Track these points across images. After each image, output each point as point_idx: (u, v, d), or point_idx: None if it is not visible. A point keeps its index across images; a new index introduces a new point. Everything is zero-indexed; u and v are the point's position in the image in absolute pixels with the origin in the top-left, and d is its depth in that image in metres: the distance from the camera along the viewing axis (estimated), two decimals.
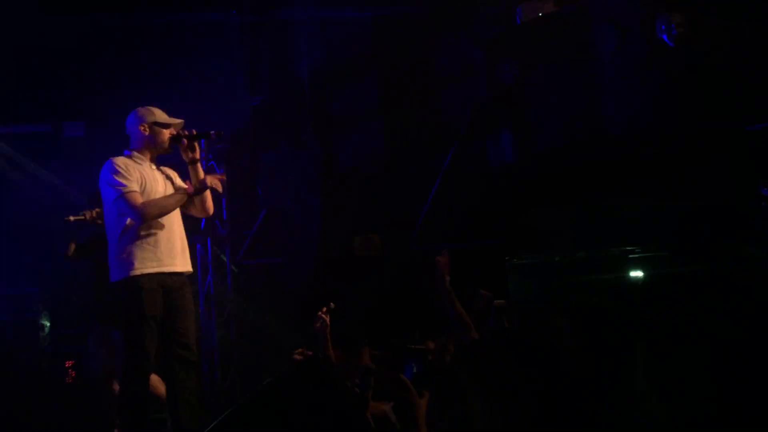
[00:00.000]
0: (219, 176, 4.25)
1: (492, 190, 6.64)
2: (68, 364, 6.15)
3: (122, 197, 3.86)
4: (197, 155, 4.10)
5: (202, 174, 4.10)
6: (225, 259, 6.88)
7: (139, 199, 3.86)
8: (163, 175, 4.13)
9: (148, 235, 3.92)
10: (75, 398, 6.02)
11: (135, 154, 4.06)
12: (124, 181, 3.88)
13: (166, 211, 3.94)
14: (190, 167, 4.10)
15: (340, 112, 7.56)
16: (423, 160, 7.10)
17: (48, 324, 6.34)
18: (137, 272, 3.86)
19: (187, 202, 4.10)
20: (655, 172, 6.23)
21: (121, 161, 3.97)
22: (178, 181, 4.19)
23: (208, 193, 4.16)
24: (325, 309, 4.22)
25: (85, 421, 5.81)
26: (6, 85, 6.64)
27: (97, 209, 4.91)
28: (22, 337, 6.26)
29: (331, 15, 7.27)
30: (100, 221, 4.86)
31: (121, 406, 4.00)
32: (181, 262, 4.03)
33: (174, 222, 4.05)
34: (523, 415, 1.76)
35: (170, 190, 4.08)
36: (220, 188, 4.23)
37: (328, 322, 4.16)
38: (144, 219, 3.87)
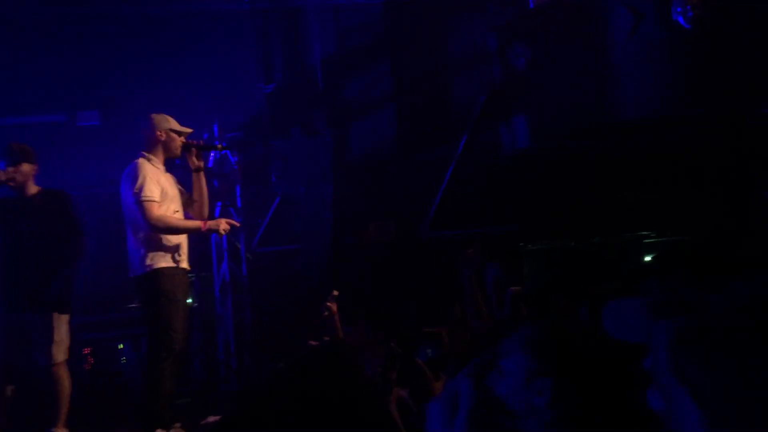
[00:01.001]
0: (233, 222, 4.58)
1: (506, 176, 6.62)
2: (86, 351, 6.20)
3: (142, 203, 4.15)
4: (202, 164, 4.49)
5: (204, 183, 4.48)
6: (240, 246, 6.91)
7: (155, 209, 4.15)
8: (173, 179, 4.47)
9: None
10: (93, 385, 6.08)
11: (151, 157, 4.35)
12: (147, 189, 4.17)
13: (174, 232, 4.26)
14: (194, 174, 4.48)
15: (352, 98, 7.55)
16: (436, 146, 7.08)
17: None
18: (170, 264, 4.22)
19: (187, 205, 4.47)
20: (671, 159, 6.18)
21: (148, 167, 4.26)
22: (178, 185, 4.52)
23: (205, 202, 4.52)
24: (330, 297, 4.28)
25: (104, 406, 5.87)
26: (20, 75, 6.67)
27: (11, 168, 4.43)
28: None
29: (343, 1, 7.24)
30: (12, 183, 4.48)
31: (151, 387, 4.18)
32: (187, 261, 4.43)
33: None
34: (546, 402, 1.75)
35: (177, 194, 4.42)
36: (222, 233, 4.56)
37: (335, 310, 4.24)
38: (153, 230, 4.19)
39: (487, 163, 6.70)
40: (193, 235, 4.49)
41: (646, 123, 5.89)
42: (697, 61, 5.45)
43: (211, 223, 4.34)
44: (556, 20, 6.07)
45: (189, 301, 6.33)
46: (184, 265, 4.36)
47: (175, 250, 4.26)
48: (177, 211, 4.36)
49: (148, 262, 4.20)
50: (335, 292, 4.26)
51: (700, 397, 0.99)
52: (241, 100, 7.15)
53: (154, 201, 4.16)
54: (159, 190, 4.21)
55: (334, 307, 4.22)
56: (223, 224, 4.34)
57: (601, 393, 1.42)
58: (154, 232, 4.17)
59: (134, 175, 4.20)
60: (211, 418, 4.72)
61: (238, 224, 4.63)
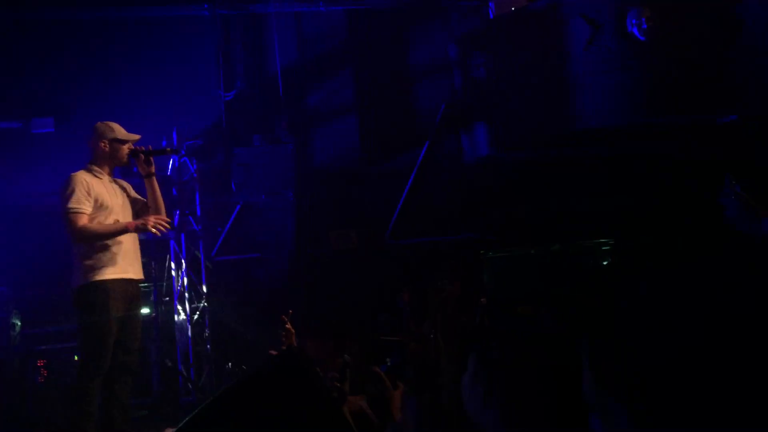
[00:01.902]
0: (164, 221, 4.31)
1: (467, 185, 6.66)
2: (40, 363, 6.06)
3: (67, 214, 4.09)
4: (152, 169, 4.40)
5: (156, 188, 4.40)
6: (199, 255, 6.83)
7: (80, 221, 4.08)
8: (120, 188, 4.37)
9: (113, 243, 4.16)
10: (47, 397, 5.94)
11: (95, 168, 4.28)
12: (73, 201, 4.09)
13: (102, 239, 4.14)
14: (145, 180, 4.39)
15: (314, 106, 7.53)
16: (398, 154, 7.10)
17: (19, 323, 6.23)
18: (105, 277, 4.09)
19: (143, 212, 4.36)
20: (629, 167, 6.29)
21: (81, 177, 4.18)
22: (132, 193, 4.45)
23: (161, 207, 4.40)
24: (284, 318, 4.28)
25: (57, 420, 5.73)
26: None
27: None
28: None
29: (305, 9, 7.23)
30: None
31: (75, 402, 4.10)
32: (138, 270, 4.32)
33: (133, 233, 4.29)
34: (511, 409, 1.76)
35: (126, 203, 4.34)
36: (158, 233, 4.31)
37: (293, 331, 4.24)
38: (78, 240, 4.11)
39: (448, 171, 6.74)
40: (152, 242, 4.35)
41: (604, 131, 5.99)
42: (653, 72, 5.56)
43: (137, 222, 4.20)
44: (516, 30, 6.15)
45: (147, 311, 6.23)
46: (131, 275, 4.21)
47: (116, 260, 4.13)
48: (117, 221, 4.23)
49: (85, 274, 4.08)
50: (290, 311, 4.27)
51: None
52: (201, 107, 7.08)
53: (79, 213, 4.08)
54: (90, 201, 4.11)
55: (290, 327, 4.23)
56: (151, 220, 4.16)
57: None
58: (81, 242, 4.08)
59: (63, 187, 4.14)
60: (169, 430, 4.65)
61: (168, 222, 4.38)
